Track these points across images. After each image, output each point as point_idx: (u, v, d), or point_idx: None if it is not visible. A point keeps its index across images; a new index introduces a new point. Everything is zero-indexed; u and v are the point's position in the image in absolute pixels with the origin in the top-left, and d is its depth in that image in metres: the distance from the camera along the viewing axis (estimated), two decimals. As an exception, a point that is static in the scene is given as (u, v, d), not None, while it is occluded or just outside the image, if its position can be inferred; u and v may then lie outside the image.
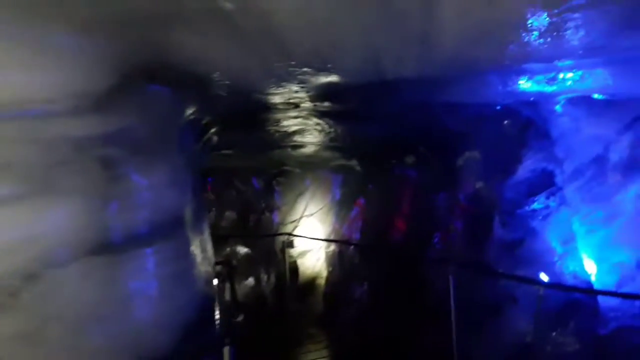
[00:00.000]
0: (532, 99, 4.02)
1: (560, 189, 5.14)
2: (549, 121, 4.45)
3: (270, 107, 3.92)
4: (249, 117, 4.33)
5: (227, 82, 3.17)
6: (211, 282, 4.24)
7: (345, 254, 8.06)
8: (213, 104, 3.52)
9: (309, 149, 7.60)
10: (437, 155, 6.50)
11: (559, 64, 3.02)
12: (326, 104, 3.98)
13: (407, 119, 5.29)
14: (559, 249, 5.19)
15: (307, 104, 3.91)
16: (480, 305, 5.67)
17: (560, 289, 4.83)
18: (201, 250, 4.19)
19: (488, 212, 5.80)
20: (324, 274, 8.92)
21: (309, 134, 5.51)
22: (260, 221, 9.92)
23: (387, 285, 7.18)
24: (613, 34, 2.56)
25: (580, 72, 3.24)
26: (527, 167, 5.35)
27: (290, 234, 8.74)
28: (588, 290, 4.74)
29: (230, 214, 10.50)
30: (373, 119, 4.88)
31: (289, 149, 7.58)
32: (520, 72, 3.27)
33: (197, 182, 4.12)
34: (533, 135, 5.21)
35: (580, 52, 2.72)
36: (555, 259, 5.17)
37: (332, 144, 7.06)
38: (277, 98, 3.63)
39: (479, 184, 6.06)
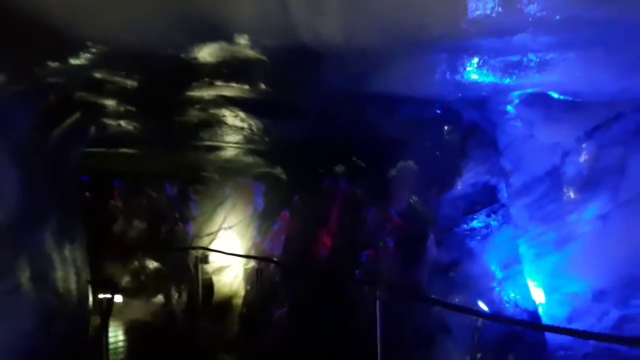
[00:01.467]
0: (484, 93, 3.24)
1: (503, 205, 4.45)
2: (498, 126, 3.71)
3: (152, 86, 2.86)
4: (130, 101, 3.23)
5: (75, 40, 2.09)
6: (71, 307, 3.09)
7: (266, 271, 7.01)
8: (59, 74, 2.41)
9: (227, 152, 6.53)
10: (370, 165, 5.67)
11: (520, 39, 2.24)
12: (231, 84, 2.98)
13: (336, 118, 4.41)
14: (498, 273, 4.49)
15: (205, 84, 2.90)
16: (410, 335, 4.87)
17: (501, 321, 4.08)
18: (54, 268, 3.03)
19: (422, 229, 5.03)
20: (242, 293, 7.81)
21: (219, 129, 4.48)
22: (173, 233, 8.65)
23: (310, 308, 6.25)
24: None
25: (548, 56, 2.49)
26: (467, 180, 4.63)
27: (204, 248, 7.60)
28: (531, 325, 4.02)
29: (139, 224, 9.14)
30: (295, 114, 3.95)
31: (204, 151, 6.48)
32: (473, 51, 2.46)
33: (49, 181, 2.97)
34: (476, 144, 4.49)
35: (558, 17, 1.93)
36: (494, 284, 4.47)
37: (252, 147, 6.05)
38: (157, 70, 2.59)
39: (414, 198, 5.28)
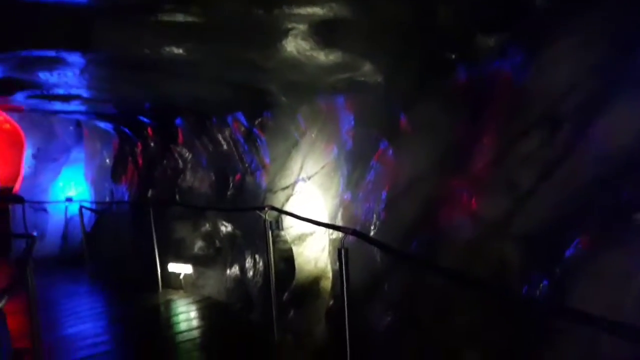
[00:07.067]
0: None
1: None
2: None
3: None
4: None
5: None
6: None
7: (358, 250, 3.81)
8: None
9: (284, 44, 3.37)
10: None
11: None
12: None
13: None
14: None
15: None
16: None
17: None
18: None
19: None
20: (330, 274, 4.82)
21: None
22: (243, 186, 5.91)
23: (437, 327, 3.04)
24: None
25: None
26: None
27: (274, 208, 4.74)
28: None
29: (205, 175, 6.58)
30: None
31: (253, 47, 3.44)
32: None
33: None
34: None
35: None
36: None
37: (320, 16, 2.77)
38: None
39: None
